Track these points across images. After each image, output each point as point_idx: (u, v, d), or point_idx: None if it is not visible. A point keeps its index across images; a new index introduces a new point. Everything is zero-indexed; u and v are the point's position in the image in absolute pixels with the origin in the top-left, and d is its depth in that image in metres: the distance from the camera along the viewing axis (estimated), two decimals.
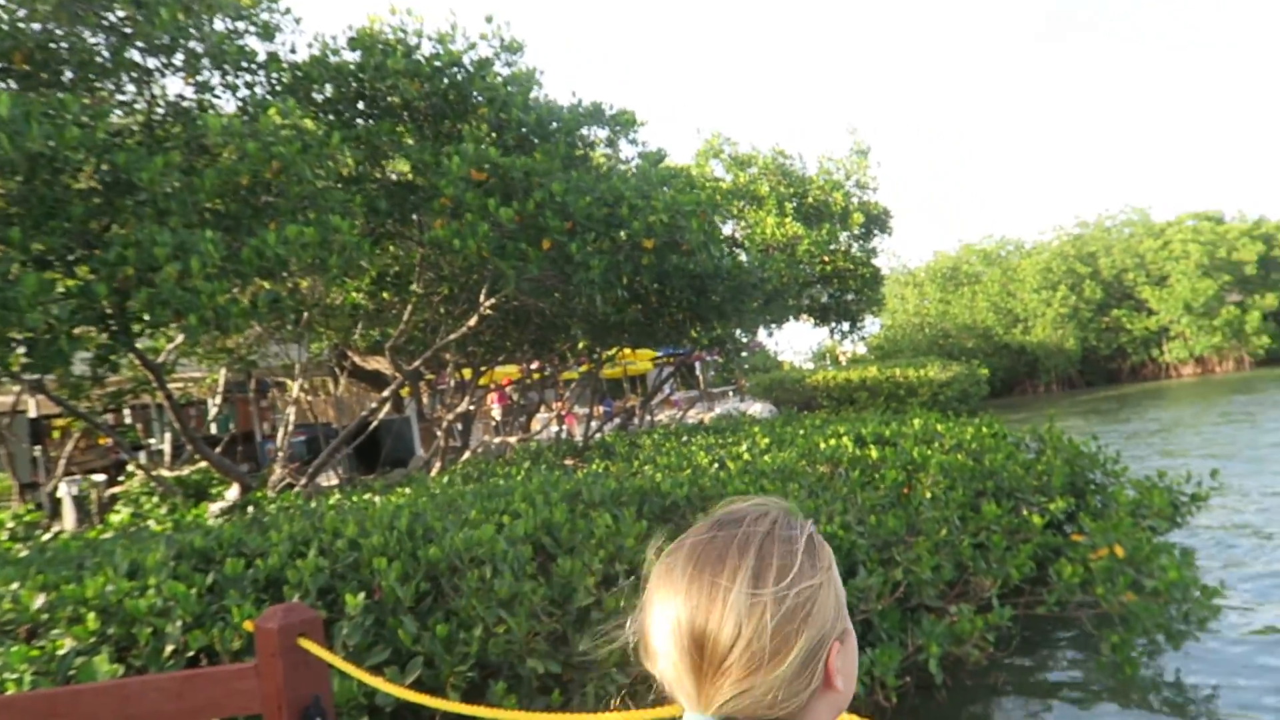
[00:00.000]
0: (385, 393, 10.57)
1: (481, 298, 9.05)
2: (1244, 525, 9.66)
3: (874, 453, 7.76)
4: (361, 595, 3.50)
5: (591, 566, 4.06)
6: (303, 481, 9.29)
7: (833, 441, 8.30)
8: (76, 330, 5.48)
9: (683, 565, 0.90)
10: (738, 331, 14.95)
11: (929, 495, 6.70)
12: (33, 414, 12.25)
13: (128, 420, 15.54)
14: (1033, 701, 5.63)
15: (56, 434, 13.90)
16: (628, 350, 14.80)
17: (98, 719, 2.69)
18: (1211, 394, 27.18)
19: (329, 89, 8.05)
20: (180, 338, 8.95)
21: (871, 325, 39.00)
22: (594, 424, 14.78)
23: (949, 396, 22.16)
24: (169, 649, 3.31)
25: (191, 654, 3.34)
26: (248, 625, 3.19)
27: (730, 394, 28.88)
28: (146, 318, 5.52)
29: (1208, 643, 6.17)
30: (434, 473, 9.80)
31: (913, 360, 27.47)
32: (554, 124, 8.79)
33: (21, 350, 5.42)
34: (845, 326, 18.36)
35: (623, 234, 8.09)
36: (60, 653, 3.25)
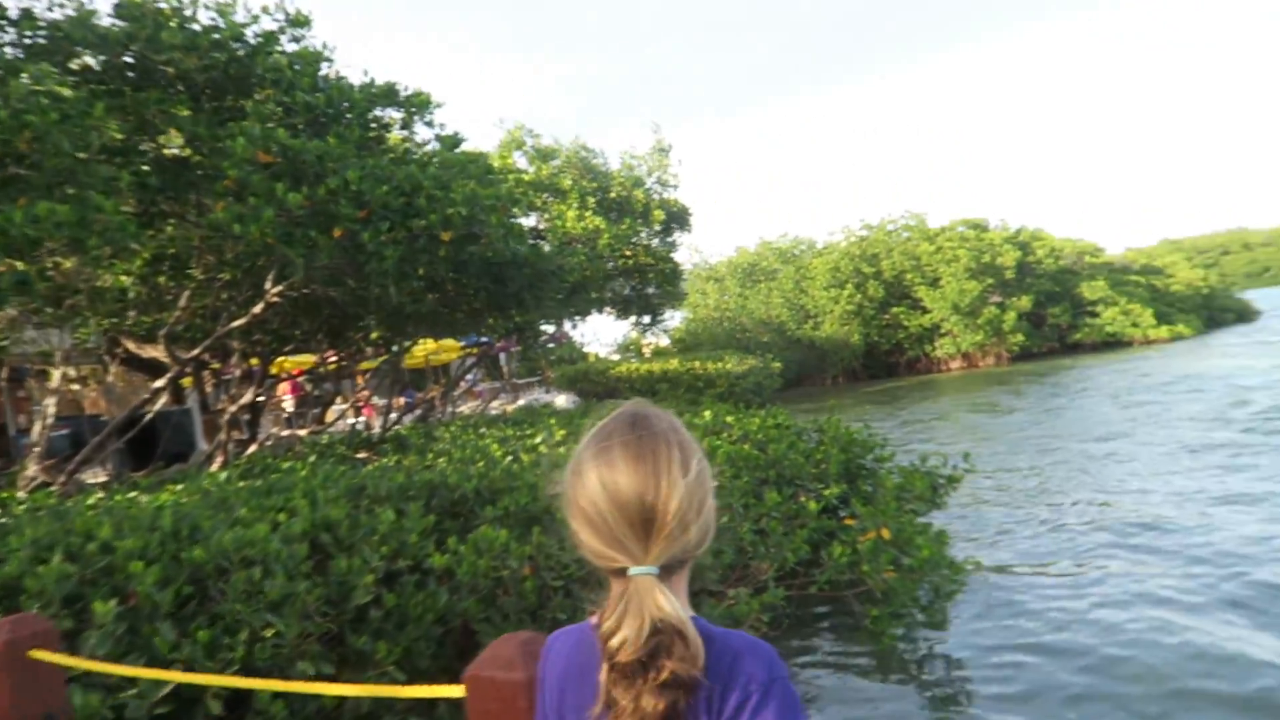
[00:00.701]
0: (159, 382, 9.85)
1: (268, 285, 8.61)
2: (1000, 503, 10.67)
3: None
4: (114, 602, 3.27)
5: (371, 564, 3.98)
6: (61, 479, 8.52)
7: None
8: None
9: (625, 457, 1.15)
10: (542, 322, 15.00)
11: (715, 484, 6.98)
12: None
13: None
14: (801, 676, 6.01)
15: None
16: (431, 340, 14.51)
17: None
18: (973, 386, 29.81)
19: (94, 58, 7.40)
20: None
21: (673, 318, 40.15)
22: (394, 415, 14.39)
23: (744, 388, 23.08)
24: None
25: None
26: None
27: (537, 385, 28.88)
28: None
29: (960, 611, 6.78)
30: (214, 467, 9.24)
31: (711, 353, 28.43)
32: (345, 104, 8.48)
33: None
34: (646, 319, 18.78)
35: (420, 223, 7.93)
36: None
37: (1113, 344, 40.90)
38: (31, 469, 8.85)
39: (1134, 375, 25.53)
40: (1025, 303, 40.23)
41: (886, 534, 6.38)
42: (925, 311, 41.21)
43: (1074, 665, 5.71)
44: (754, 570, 6.07)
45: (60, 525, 4.41)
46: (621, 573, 1.14)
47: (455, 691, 1.71)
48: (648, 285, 16.64)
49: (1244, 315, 49.76)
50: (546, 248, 11.95)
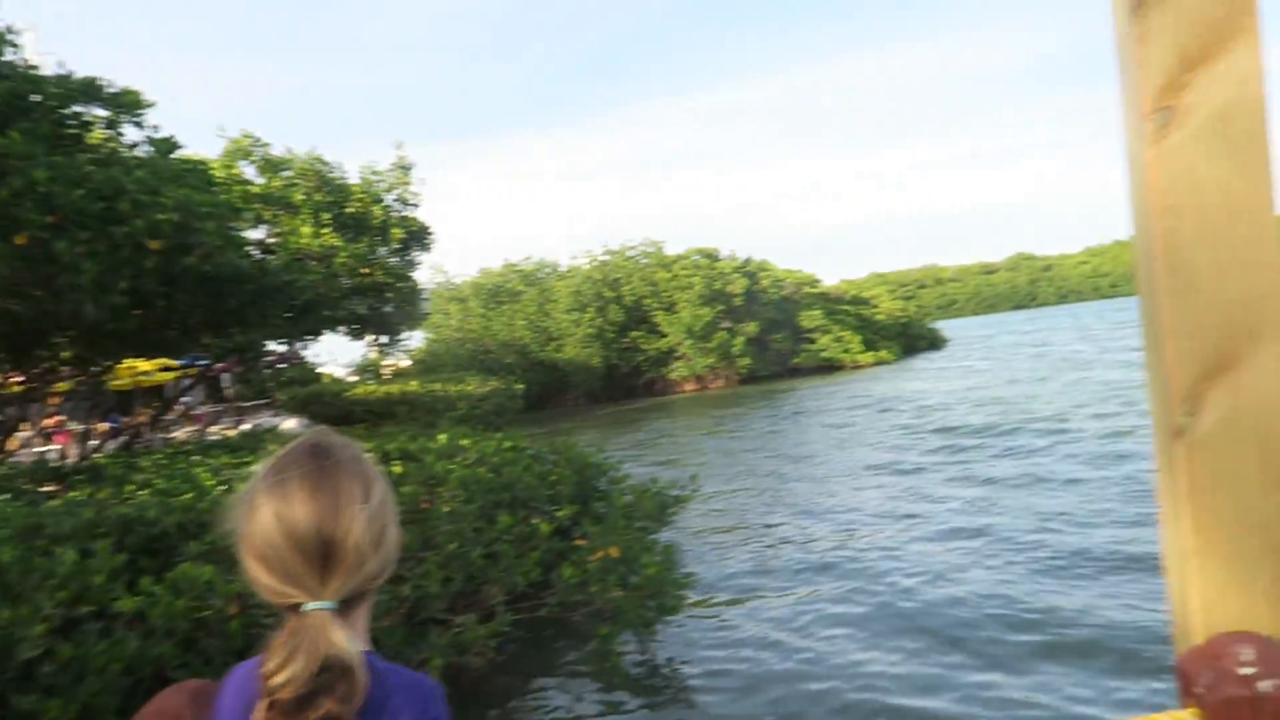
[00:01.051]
0: None
1: None
2: (720, 521, 11.29)
3: (398, 468, 7.78)
4: None
5: (44, 611, 3.56)
6: None
7: None
8: None
9: (303, 489, 1.10)
10: (270, 342, 14.12)
11: (447, 509, 6.88)
12: None
13: None
14: (529, 700, 6.03)
15: None
16: (141, 360, 13.25)
17: None
18: (705, 408, 31.45)
19: None
20: None
21: (414, 339, 39.21)
22: (93, 442, 12.97)
23: (486, 411, 22.93)
24: None
25: None
26: None
27: (265, 408, 27.11)
28: None
29: (690, 625, 7.09)
30: None
31: (453, 375, 28.05)
32: (35, 97, 7.60)
33: None
34: (384, 339, 18.22)
35: (122, 230, 7.23)
36: None
37: (828, 367, 44.62)
38: None
39: (843, 397, 27.99)
40: (752, 329, 43.04)
41: (615, 553, 6.57)
42: (662, 335, 43.03)
43: (780, 669, 6.15)
44: (484, 595, 6.03)
45: None
46: (296, 608, 1.10)
47: None
48: (385, 304, 16.13)
49: (935, 343, 55.99)
50: (276, 263, 11.29)
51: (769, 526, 10.83)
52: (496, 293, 45.61)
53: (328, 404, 24.67)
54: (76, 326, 8.53)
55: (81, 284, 6.69)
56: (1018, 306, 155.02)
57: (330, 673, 1.07)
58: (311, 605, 1.09)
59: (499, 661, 5.89)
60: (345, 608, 1.12)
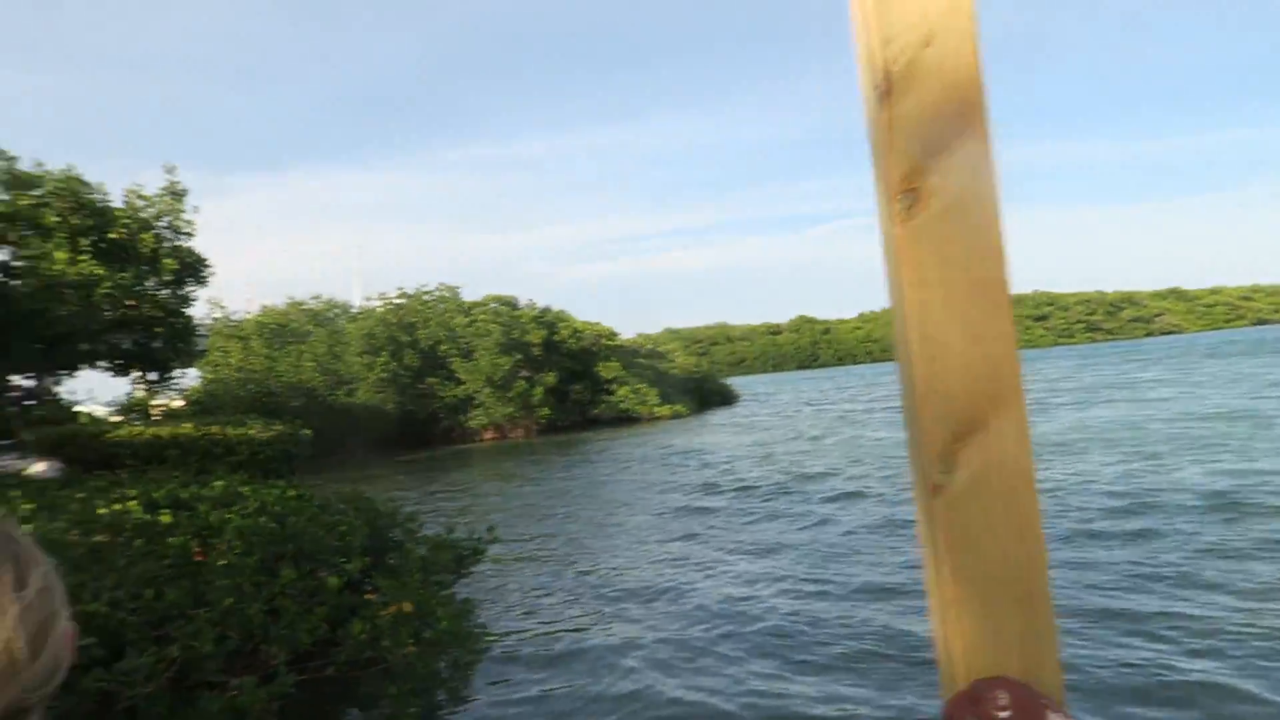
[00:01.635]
0: None
1: None
2: (520, 570, 11.06)
3: (167, 518, 7.08)
4: None
5: None
6: None
7: (117, 506, 7.38)
8: None
9: None
10: (18, 376, 12.64)
11: (223, 562, 6.32)
12: None
13: None
14: None
15: None
16: None
17: None
18: (504, 456, 31.04)
19: None
20: None
21: (188, 377, 36.42)
22: None
23: (269, 456, 21.52)
24: None
25: None
26: None
27: (9, 450, 24.16)
28: None
29: (481, 680, 6.81)
30: None
31: (233, 417, 26.17)
32: None
33: None
34: (153, 376, 16.76)
35: None
36: None
37: (626, 419, 45.27)
38: None
39: (642, 448, 28.44)
40: (551, 379, 43.08)
41: (409, 607, 6.24)
42: (460, 383, 42.22)
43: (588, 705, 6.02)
44: (264, 655, 5.54)
45: None
46: None
47: None
48: (155, 340, 14.83)
49: (727, 398, 58.20)
50: (23, 289, 10.11)
51: (567, 573, 10.72)
52: (281, 332, 43.25)
53: (84, 445, 22.33)
54: None
55: None
56: (801, 365, 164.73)
57: None
58: None
59: None
60: None
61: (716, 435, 31.27)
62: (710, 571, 10.17)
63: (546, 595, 9.82)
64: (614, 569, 10.73)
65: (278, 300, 46.40)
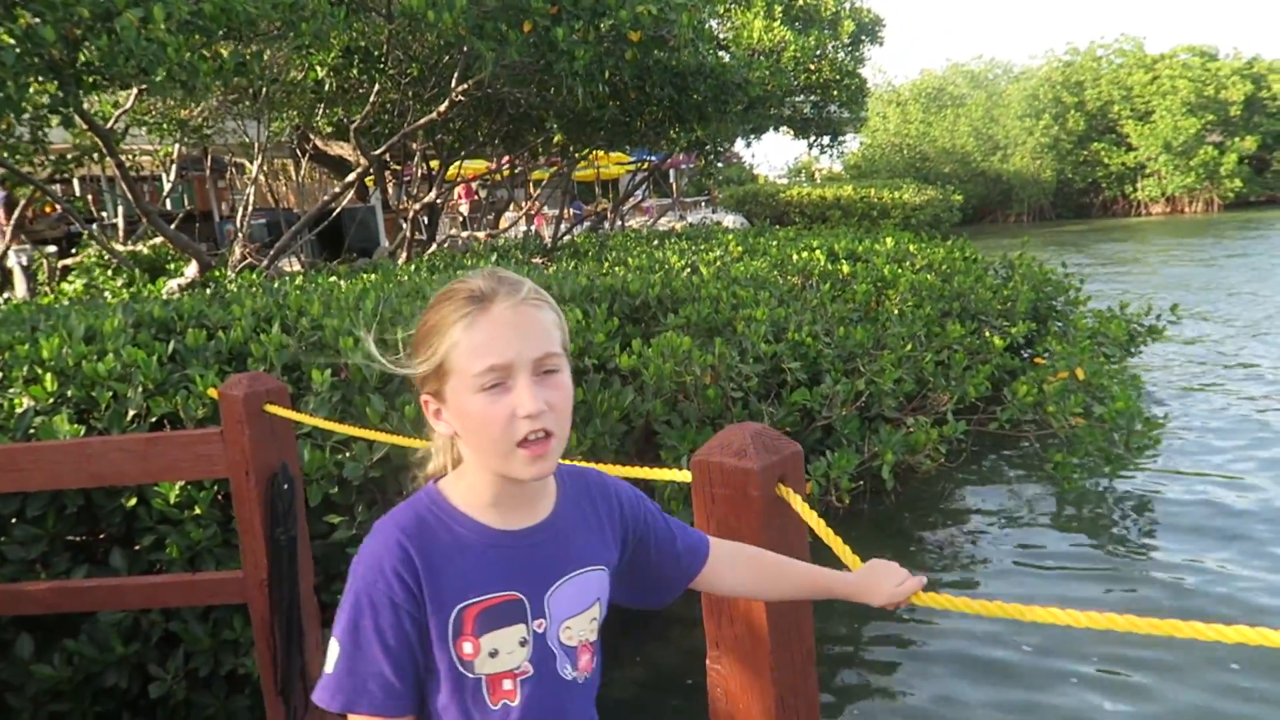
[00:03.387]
0: (350, 177, 10.21)
1: (454, 82, 8.60)
2: (1192, 361, 9.92)
3: (845, 268, 7.74)
4: (328, 372, 3.45)
5: None
6: (264, 263, 9.09)
7: (805, 255, 8.25)
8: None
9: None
10: (723, 139, 14.53)
11: (896, 312, 6.74)
12: None
13: (77, 192, 14.97)
14: (974, 511, 5.90)
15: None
16: (601, 153, 14.37)
17: (59, 475, 2.67)
18: (1178, 234, 27.38)
19: None
20: (130, 102, 8.47)
21: (851, 142, 38.31)
22: (563, 225, 14.54)
23: (921, 220, 22.05)
24: (130, 413, 3.27)
25: (154, 420, 3.30)
26: (212, 392, 3.14)
27: (703, 204, 28.53)
28: (102, 71, 5.12)
29: (1143, 470, 6.43)
30: (401, 263, 9.64)
31: (888, 181, 27.16)
32: None
33: None
34: (825, 140, 17.91)
35: (608, 23, 7.63)
36: (19, 410, 3.20)
37: None
38: (238, 251, 9.48)
39: None
40: (1250, 144, 36.01)
41: (1080, 375, 6.02)
42: (1130, 149, 37.60)
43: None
44: (933, 400, 5.89)
45: (273, 300, 4.68)
46: None
47: (682, 476, 1.68)
48: (830, 103, 15.67)
49: None
50: (728, 58, 11.37)
51: (1251, 381, 9.25)
52: (938, 96, 42.57)
53: (763, 203, 25.32)
54: (564, 114, 9.34)
55: (576, 70, 7.22)
56: None
57: None
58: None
59: (947, 468, 5.78)
60: None
61: None
62: None
63: (1219, 396, 8.65)
64: None
65: (935, 63, 45.40)
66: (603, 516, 1.19)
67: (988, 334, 6.98)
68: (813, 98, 15.49)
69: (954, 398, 5.85)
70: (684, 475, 1.68)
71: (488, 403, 1.00)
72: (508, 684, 1.05)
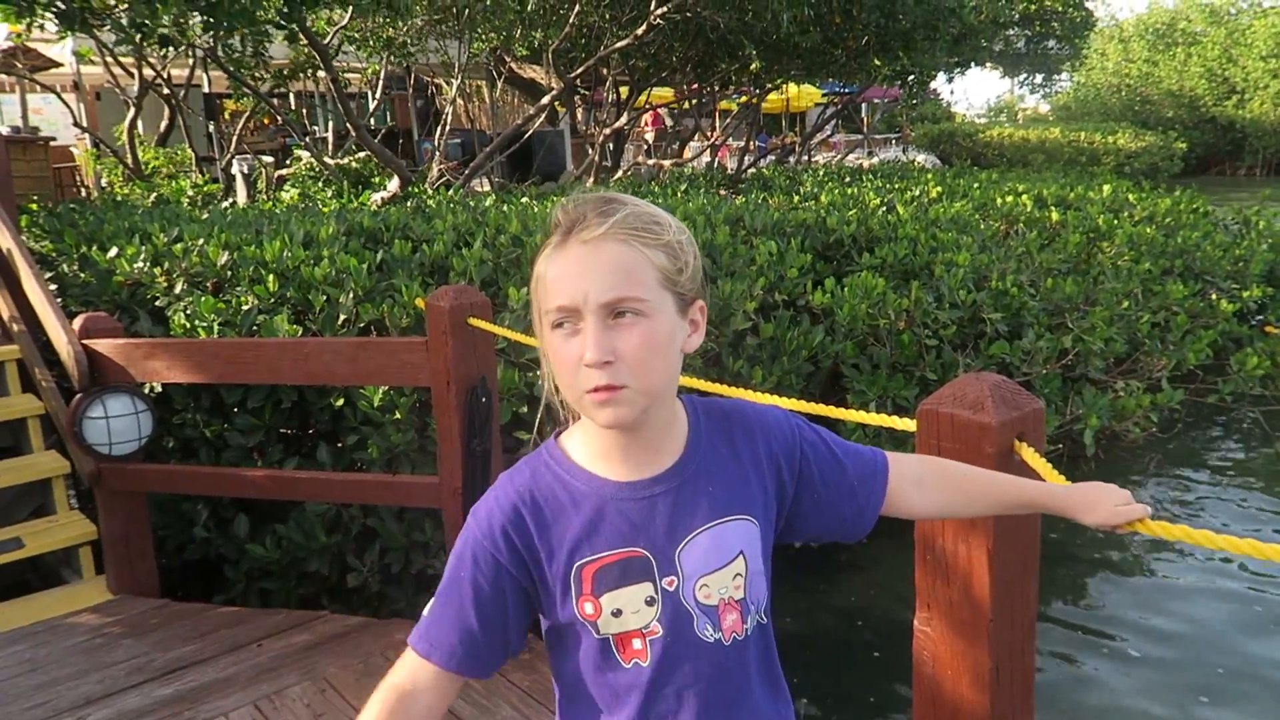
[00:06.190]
0: (543, 100, 10.32)
1: (652, 5, 8.47)
2: None
3: (1055, 215, 7.20)
4: (525, 290, 3.50)
5: (752, 292, 3.94)
6: (459, 181, 9.37)
7: (1010, 199, 7.73)
8: None
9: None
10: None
11: (1111, 266, 6.22)
12: (206, 89, 12.58)
13: (291, 107, 15.90)
14: (1181, 487, 5.43)
15: (227, 114, 14.34)
16: (792, 85, 13.90)
17: (277, 370, 2.83)
18: None
19: None
20: (345, 20, 8.81)
21: (1063, 81, 35.54)
22: (748, 158, 14.25)
23: (1136, 168, 20.30)
24: (341, 318, 3.42)
25: (362, 325, 3.45)
26: (419, 303, 3.23)
27: (893, 142, 27.29)
28: None
29: None
30: (588, 186, 9.71)
31: (1102, 125, 25.08)
32: None
33: (199, 14, 5.38)
34: (1037, 78, 16.66)
35: None
36: (244, 308, 3.41)
37: None
38: (436, 169, 9.81)
39: None
40: None
41: None
42: None
43: None
44: (1145, 364, 5.43)
45: (472, 217, 4.79)
46: None
47: (905, 424, 1.56)
48: (1048, 37, 14.48)
49: None
50: None
51: None
52: (1167, 33, 38.65)
53: (959, 143, 23.99)
54: (763, 40, 9.04)
55: None
56: None
57: None
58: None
59: (1157, 437, 5.34)
60: None
61: None
62: None
63: None
64: None
65: None
66: (745, 460, 1.04)
67: (1214, 296, 6.36)
68: (1028, 31, 14.38)
69: (1170, 363, 5.37)
70: (907, 424, 1.57)
71: (560, 342, 0.90)
72: (637, 643, 0.98)
